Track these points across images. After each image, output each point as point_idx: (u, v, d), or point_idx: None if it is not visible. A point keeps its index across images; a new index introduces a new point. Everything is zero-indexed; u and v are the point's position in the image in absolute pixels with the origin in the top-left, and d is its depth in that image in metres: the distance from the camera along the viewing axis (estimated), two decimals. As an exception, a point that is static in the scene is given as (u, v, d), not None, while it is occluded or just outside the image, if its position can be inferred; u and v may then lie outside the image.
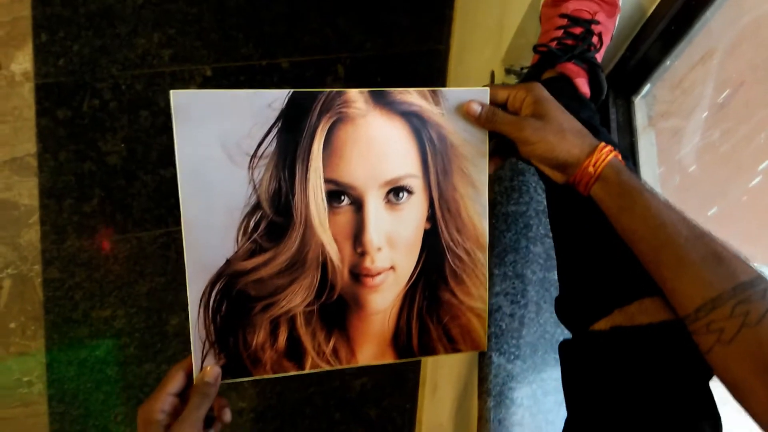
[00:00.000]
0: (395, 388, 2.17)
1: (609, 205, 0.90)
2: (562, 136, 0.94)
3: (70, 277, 2.07)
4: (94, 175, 2.12)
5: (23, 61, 2.18)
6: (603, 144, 0.93)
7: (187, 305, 0.94)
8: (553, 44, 1.30)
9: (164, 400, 0.93)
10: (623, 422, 0.83)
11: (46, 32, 2.21)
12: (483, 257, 1.04)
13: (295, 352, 1.01)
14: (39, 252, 2.06)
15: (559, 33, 1.31)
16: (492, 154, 1.02)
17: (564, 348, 0.97)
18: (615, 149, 0.94)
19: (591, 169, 0.92)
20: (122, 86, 2.19)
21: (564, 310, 1.01)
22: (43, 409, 1.98)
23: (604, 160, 0.92)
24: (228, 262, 0.95)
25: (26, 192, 2.08)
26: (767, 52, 1.13)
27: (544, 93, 0.97)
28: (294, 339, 1.00)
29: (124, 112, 2.17)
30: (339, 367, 1.03)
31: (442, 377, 1.84)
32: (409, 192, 0.99)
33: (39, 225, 2.07)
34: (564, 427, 0.91)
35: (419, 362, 2.20)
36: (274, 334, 0.99)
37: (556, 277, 1.37)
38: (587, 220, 0.99)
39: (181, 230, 0.92)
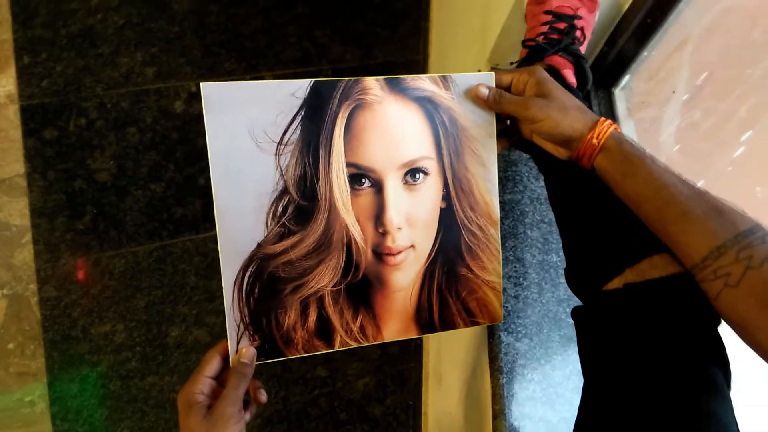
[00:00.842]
0: (397, 386, 2.21)
1: (612, 173, 0.97)
2: (565, 112, 1.01)
3: (67, 294, 2.07)
4: (84, 193, 2.14)
5: (7, 84, 2.19)
6: (603, 118, 1.01)
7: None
8: (540, 39, 1.38)
9: (203, 382, 0.96)
10: (640, 373, 0.89)
11: (28, 54, 2.23)
12: (495, 233, 1.10)
13: (324, 331, 1.05)
14: (33, 271, 2.06)
15: (545, 28, 1.39)
16: (498, 136, 1.09)
17: (578, 313, 1.03)
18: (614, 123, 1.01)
19: (594, 141, 0.99)
20: (108, 105, 2.22)
21: (575, 279, 1.07)
22: (47, 428, 1.97)
23: (606, 132, 0.99)
24: (259, 245, 1.00)
25: (17, 212, 2.09)
26: (738, 38, 1.22)
27: (545, 74, 1.05)
28: (323, 319, 1.05)
29: (111, 129, 2.20)
30: (366, 344, 1.07)
31: (447, 367, 1.89)
32: (425, 173, 1.05)
33: (32, 244, 2.08)
34: (583, 394, 0.97)
35: (420, 359, 2.24)
36: (304, 314, 1.03)
37: (554, 259, 1.44)
38: (590, 194, 1.06)
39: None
